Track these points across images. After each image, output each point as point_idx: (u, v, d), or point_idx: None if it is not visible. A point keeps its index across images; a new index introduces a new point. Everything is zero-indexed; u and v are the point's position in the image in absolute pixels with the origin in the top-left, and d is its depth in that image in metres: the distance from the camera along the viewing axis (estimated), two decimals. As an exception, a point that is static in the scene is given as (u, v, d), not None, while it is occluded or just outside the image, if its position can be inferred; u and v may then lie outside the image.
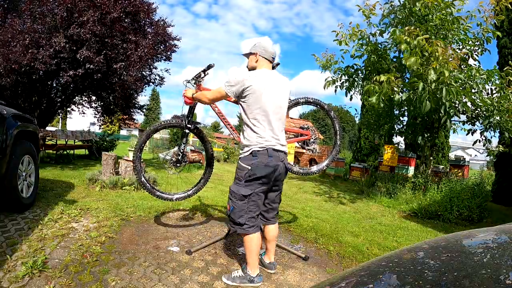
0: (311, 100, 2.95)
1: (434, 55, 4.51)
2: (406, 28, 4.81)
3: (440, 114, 5.27)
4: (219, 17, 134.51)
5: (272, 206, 2.34)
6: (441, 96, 4.65)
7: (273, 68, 2.88)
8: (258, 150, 2.08)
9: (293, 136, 3.11)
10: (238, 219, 2.10)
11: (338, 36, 6.06)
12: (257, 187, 2.10)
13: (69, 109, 10.31)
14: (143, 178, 2.75)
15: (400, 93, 5.14)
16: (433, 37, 4.73)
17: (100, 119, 10.02)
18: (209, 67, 2.69)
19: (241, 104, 2.18)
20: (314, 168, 3.07)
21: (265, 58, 2.26)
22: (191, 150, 9.97)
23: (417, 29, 4.74)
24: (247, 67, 2.35)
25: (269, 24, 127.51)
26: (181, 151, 2.73)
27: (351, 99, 6.55)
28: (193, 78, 2.74)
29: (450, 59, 4.53)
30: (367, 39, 6.03)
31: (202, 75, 2.74)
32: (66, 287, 1.89)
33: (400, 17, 5.84)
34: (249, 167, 2.07)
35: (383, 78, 4.86)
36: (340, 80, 6.40)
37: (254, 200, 2.12)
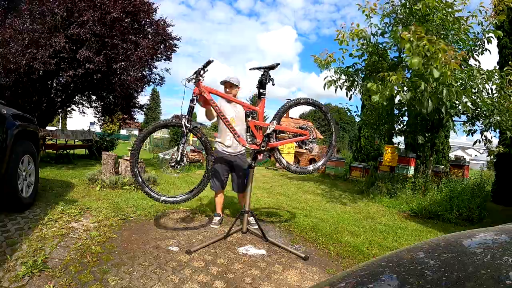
0: (310, 101, 3.01)
1: (436, 55, 4.46)
2: (411, 27, 4.74)
3: (442, 114, 5.25)
4: (260, 15, 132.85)
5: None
6: (442, 97, 4.63)
7: (273, 68, 2.87)
8: None
9: (292, 135, 3.12)
10: None
11: (339, 36, 6.00)
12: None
13: (69, 108, 10.31)
14: (136, 169, 2.68)
15: (405, 92, 5.06)
16: (434, 37, 4.69)
17: (101, 119, 10.02)
18: (208, 63, 2.62)
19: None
20: (310, 167, 3.15)
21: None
22: (191, 150, 9.97)
23: (421, 29, 4.66)
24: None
25: (312, 25, 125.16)
26: (179, 151, 2.68)
27: (350, 98, 6.53)
28: (193, 76, 2.65)
29: (452, 60, 4.51)
30: (368, 39, 6.00)
31: (202, 72, 2.65)
32: (66, 286, 1.89)
33: (401, 16, 5.82)
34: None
35: (393, 78, 4.74)
36: (340, 80, 6.37)
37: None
